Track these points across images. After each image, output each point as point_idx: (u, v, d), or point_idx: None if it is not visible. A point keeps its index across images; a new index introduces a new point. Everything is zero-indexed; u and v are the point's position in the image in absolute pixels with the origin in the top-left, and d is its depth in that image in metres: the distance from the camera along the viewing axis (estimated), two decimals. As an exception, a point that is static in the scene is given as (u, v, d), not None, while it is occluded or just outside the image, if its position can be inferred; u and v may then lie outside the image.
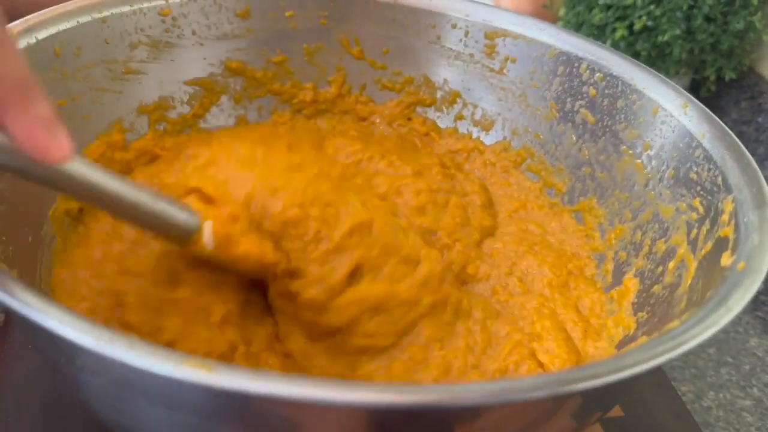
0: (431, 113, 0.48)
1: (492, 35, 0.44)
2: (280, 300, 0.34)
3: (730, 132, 0.35)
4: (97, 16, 0.38)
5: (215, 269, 0.33)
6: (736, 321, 0.48)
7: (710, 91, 0.70)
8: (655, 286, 0.35)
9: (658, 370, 0.42)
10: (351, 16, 0.46)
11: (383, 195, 0.39)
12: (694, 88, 0.71)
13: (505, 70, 0.45)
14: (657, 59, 0.64)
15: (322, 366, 0.33)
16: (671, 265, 0.34)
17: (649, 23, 0.62)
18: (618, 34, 0.63)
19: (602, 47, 0.42)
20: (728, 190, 0.32)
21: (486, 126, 0.47)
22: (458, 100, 0.47)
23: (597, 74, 0.41)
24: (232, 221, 0.31)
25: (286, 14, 0.45)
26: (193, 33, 0.42)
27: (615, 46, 0.64)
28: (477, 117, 0.47)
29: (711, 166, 0.34)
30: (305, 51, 0.46)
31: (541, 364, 0.33)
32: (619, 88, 0.40)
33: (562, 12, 0.69)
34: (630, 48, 0.64)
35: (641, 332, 0.34)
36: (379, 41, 0.47)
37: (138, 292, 0.32)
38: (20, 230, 0.32)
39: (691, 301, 0.30)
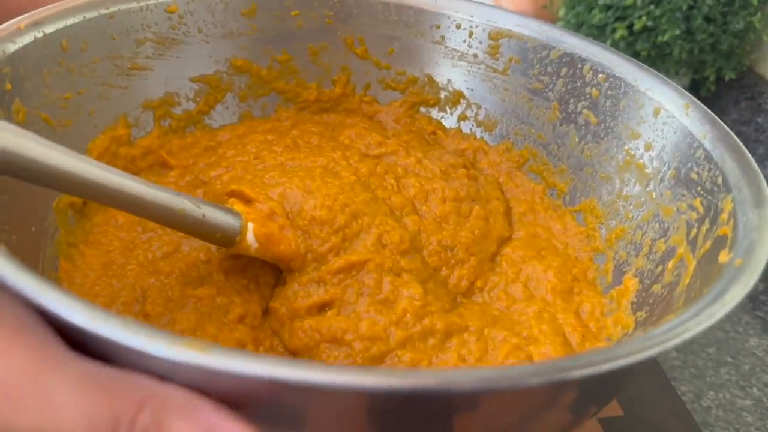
0: (435, 113, 0.48)
1: (496, 36, 0.45)
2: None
3: (731, 132, 0.35)
4: (104, 11, 0.38)
5: (246, 273, 0.35)
6: (736, 321, 0.48)
7: (710, 91, 0.70)
8: (655, 286, 0.35)
9: (657, 370, 0.43)
10: (356, 15, 0.46)
11: (411, 198, 0.40)
12: (694, 88, 0.72)
13: (508, 71, 0.45)
14: (657, 59, 0.65)
15: None
16: (671, 264, 0.35)
17: (649, 23, 0.63)
18: (618, 34, 0.64)
19: (605, 48, 0.42)
20: (728, 189, 0.32)
21: (489, 126, 0.47)
22: (462, 100, 0.47)
23: (600, 75, 0.41)
24: (271, 219, 0.34)
25: (292, 13, 0.45)
26: (199, 30, 0.42)
27: (615, 46, 0.65)
28: (480, 117, 0.47)
29: (712, 167, 0.34)
30: (310, 50, 0.46)
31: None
32: (622, 89, 0.40)
33: (561, 12, 0.70)
34: (630, 48, 0.65)
35: (640, 331, 0.35)
36: (383, 41, 0.47)
37: (161, 290, 0.33)
38: (23, 220, 0.32)
39: (689, 299, 0.31)
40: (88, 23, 0.37)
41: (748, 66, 0.70)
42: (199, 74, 0.43)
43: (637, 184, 0.39)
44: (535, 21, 0.44)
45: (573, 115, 0.43)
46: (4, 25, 0.34)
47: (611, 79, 0.41)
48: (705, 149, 0.35)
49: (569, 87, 0.43)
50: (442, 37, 0.46)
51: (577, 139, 0.43)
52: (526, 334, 0.35)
